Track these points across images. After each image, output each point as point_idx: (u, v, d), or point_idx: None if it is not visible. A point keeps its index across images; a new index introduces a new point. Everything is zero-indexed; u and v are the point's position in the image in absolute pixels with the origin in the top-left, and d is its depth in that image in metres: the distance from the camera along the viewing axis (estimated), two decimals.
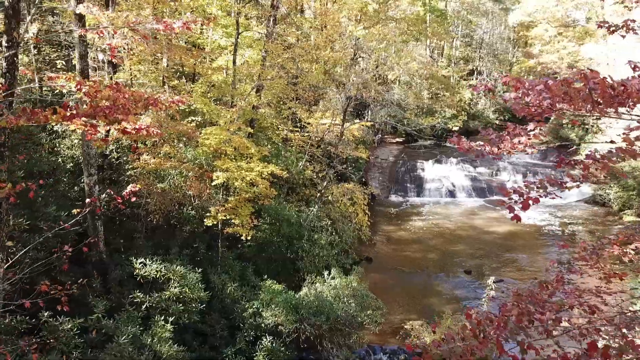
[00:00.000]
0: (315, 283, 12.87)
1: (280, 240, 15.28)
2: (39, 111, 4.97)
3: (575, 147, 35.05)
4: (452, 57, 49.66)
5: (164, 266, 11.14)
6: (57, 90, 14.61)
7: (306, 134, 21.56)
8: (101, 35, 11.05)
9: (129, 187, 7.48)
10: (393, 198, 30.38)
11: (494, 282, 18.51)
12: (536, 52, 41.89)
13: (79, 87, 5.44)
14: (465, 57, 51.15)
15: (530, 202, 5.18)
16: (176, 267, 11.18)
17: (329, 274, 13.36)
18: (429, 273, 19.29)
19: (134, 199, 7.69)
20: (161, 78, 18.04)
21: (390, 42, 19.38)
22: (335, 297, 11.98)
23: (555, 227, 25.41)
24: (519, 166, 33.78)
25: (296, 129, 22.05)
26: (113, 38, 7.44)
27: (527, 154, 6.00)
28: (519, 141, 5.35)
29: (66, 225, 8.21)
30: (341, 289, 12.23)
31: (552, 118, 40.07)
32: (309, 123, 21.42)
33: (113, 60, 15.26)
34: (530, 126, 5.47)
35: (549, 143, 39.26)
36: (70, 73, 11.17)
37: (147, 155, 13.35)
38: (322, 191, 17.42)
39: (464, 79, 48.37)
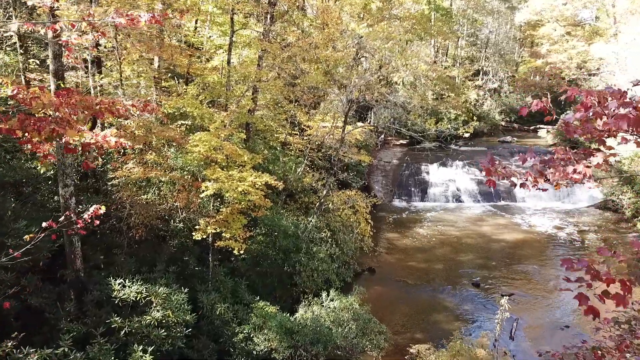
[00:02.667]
0: (313, 305, 11.82)
1: (277, 253, 14.26)
2: None
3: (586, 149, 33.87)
4: (457, 57, 48.53)
5: (145, 287, 10.11)
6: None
7: (306, 138, 20.52)
8: (82, 33, 10.04)
9: (92, 209, 6.44)
10: (397, 203, 29.31)
11: (502, 295, 17.49)
12: (544, 51, 40.73)
13: (15, 93, 4.42)
14: (471, 57, 50.01)
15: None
16: (159, 289, 10.14)
17: (328, 295, 12.31)
18: (435, 286, 18.20)
19: (96, 223, 6.63)
20: (153, 79, 17.04)
21: (395, 41, 18.34)
22: (334, 321, 10.93)
23: (565, 234, 24.29)
24: (527, 169, 32.60)
25: (295, 133, 21.02)
26: (84, 34, 6.51)
27: (588, 186, 5.05)
28: (576, 170, 4.29)
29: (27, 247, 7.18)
30: (341, 311, 11.19)
31: (561, 119, 38.99)
32: (309, 126, 20.37)
33: (102, 59, 14.31)
34: (598, 158, 4.42)
35: (557, 145, 38.21)
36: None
37: (132, 163, 12.33)
38: (322, 200, 16.36)
39: (469, 80, 47.23)
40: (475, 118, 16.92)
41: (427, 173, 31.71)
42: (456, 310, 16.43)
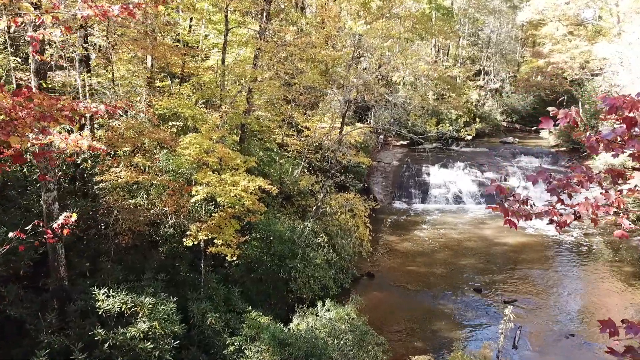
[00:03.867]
0: (308, 316, 11.31)
1: (272, 259, 13.76)
2: None
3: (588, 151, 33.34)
4: (458, 56, 48.00)
5: (131, 297, 9.61)
6: None
7: (304, 139, 20.01)
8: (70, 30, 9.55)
9: (62, 218, 5.95)
10: (397, 204, 28.81)
11: (505, 301, 16.98)
12: (546, 51, 40.17)
13: None
14: (472, 57, 49.48)
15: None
16: (145, 299, 9.64)
17: (323, 305, 11.80)
18: (435, 291, 17.69)
19: (66, 232, 6.14)
20: (146, 78, 16.56)
21: (395, 39, 17.81)
22: (329, 333, 10.43)
23: (571, 237, 23.78)
24: (528, 171, 32.05)
25: (292, 134, 20.51)
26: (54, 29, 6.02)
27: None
28: (610, 204, 3.79)
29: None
30: (337, 322, 10.68)
31: None
32: (306, 127, 19.87)
33: (90, 58, 13.82)
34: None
35: (559, 146, 37.66)
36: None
37: (122, 165, 11.83)
38: (319, 204, 15.85)
39: (470, 80, 46.69)
40: (478, 120, 16.39)
41: (428, 174, 31.21)
42: (457, 317, 15.92)
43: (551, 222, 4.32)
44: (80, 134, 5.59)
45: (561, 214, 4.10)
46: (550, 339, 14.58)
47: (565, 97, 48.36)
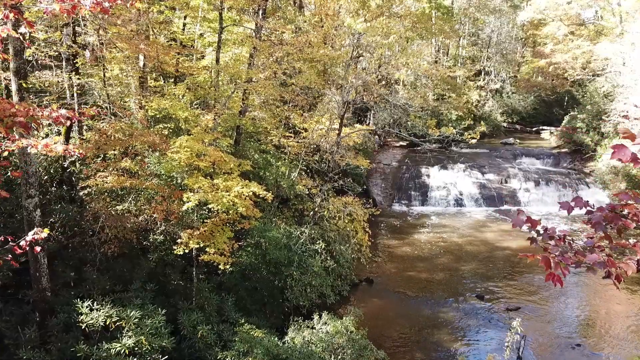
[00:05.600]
0: (304, 330, 10.78)
1: (267, 266, 13.23)
2: None
3: (590, 152, 32.90)
4: (458, 56, 47.50)
5: (116, 310, 9.08)
6: None
7: (301, 141, 19.48)
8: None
9: (31, 234, 5.42)
10: (396, 207, 28.28)
11: (508, 309, 16.49)
12: (548, 51, 39.71)
13: None
14: (472, 57, 48.97)
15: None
16: (131, 312, 9.11)
17: (320, 317, 11.27)
18: (436, 298, 17.17)
19: (37, 250, 5.61)
20: (138, 78, 16.01)
21: (397, 38, 17.27)
22: (326, 347, 9.90)
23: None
24: (530, 173, 31.58)
25: (290, 135, 19.97)
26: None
27: None
28: None
29: None
30: (334, 336, 10.16)
31: (565, 120, 37.96)
32: (304, 128, 19.33)
33: (77, 57, 13.27)
34: None
35: (561, 148, 37.17)
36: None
37: (108, 169, 11.29)
38: (316, 209, 15.33)
39: (471, 80, 46.19)
40: (482, 122, 15.90)
41: (428, 176, 30.70)
42: (459, 325, 15.41)
43: (608, 275, 3.61)
44: (52, 139, 5.05)
45: (619, 266, 3.47)
46: (556, 349, 14.07)
47: (566, 98, 48.10)
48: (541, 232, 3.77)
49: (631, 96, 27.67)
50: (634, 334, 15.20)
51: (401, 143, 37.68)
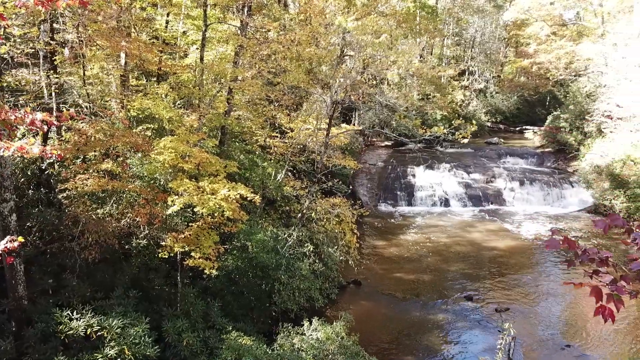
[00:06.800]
0: (294, 336, 10.48)
1: (254, 270, 12.90)
2: None
3: (574, 152, 33.16)
4: (442, 56, 47.61)
5: (97, 319, 8.68)
6: None
7: (287, 141, 19.16)
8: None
9: (3, 243, 5.05)
10: (382, 207, 28.12)
11: (498, 310, 16.40)
12: (531, 51, 39.99)
13: None
14: (456, 57, 49.16)
15: None
16: (113, 321, 8.72)
17: (310, 324, 10.98)
18: (424, 299, 17.00)
19: (10, 260, 5.24)
20: (119, 77, 15.53)
21: (386, 36, 17.04)
22: (317, 355, 9.62)
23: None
24: (515, 172, 31.70)
25: (276, 135, 19.64)
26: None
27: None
28: None
29: None
30: (324, 342, 9.89)
31: (548, 120, 38.22)
32: (290, 128, 19.01)
33: (55, 54, 12.77)
34: None
35: (545, 147, 37.43)
36: None
37: (88, 171, 10.85)
38: (304, 211, 15.03)
39: (455, 80, 46.33)
40: (473, 122, 15.74)
41: (414, 176, 30.62)
42: (448, 327, 15.25)
43: None
44: (27, 140, 4.69)
45: None
46: (546, 350, 14.00)
47: (549, 98, 48.56)
48: (579, 253, 3.48)
49: (614, 96, 27.91)
50: (622, 334, 15.21)
51: (386, 143, 37.59)
